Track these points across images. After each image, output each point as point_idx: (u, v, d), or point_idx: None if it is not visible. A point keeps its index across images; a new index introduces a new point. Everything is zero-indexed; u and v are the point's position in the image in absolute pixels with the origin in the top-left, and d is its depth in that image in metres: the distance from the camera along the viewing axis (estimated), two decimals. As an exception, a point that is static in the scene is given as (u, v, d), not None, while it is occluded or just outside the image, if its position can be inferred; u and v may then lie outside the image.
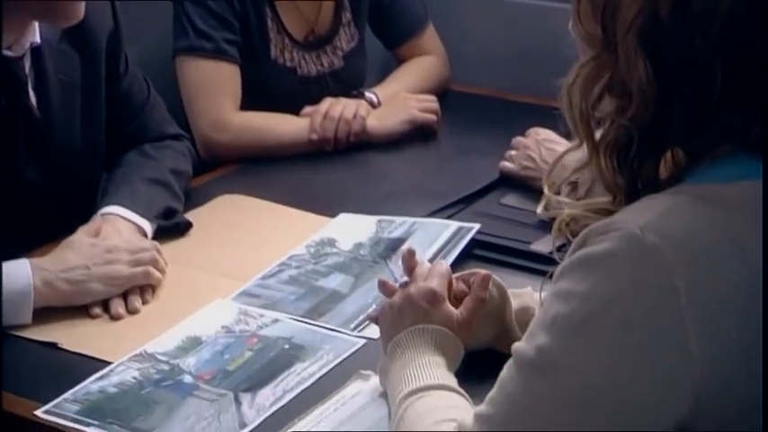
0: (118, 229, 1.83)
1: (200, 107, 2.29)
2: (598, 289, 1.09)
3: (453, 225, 1.89)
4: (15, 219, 1.83)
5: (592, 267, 1.11)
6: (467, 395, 1.37)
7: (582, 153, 1.23)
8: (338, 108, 2.28)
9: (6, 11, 1.71)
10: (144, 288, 1.76)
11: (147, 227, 1.89)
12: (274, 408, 1.48)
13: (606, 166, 1.17)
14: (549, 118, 2.18)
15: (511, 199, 2.03)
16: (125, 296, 1.74)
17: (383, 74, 2.56)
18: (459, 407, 1.33)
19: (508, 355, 1.50)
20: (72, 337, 1.65)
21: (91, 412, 1.48)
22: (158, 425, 1.45)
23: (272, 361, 1.58)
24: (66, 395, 1.51)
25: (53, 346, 1.64)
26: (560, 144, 2.04)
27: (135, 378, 1.55)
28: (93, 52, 1.94)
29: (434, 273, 1.51)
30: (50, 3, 1.75)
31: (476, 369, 1.48)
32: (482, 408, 1.19)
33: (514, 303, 1.54)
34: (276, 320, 1.68)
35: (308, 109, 2.30)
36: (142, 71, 2.10)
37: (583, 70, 1.18)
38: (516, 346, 1.17)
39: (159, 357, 1.59)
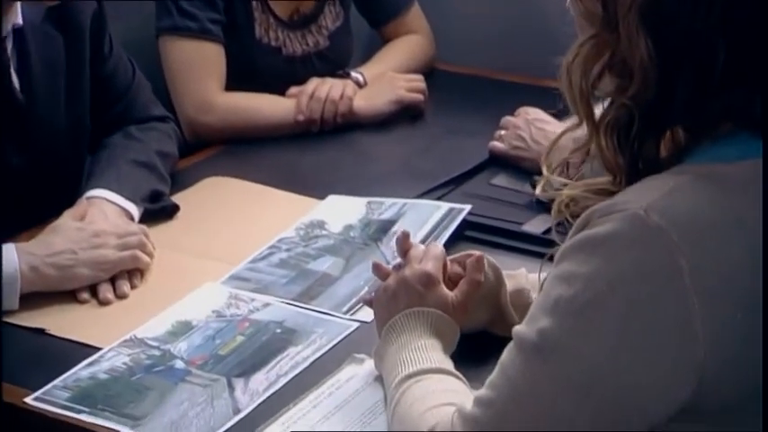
0: (104, 213, 1.81)
1: (185, 88, 2.26)
2: (602, 271, 1.08)
3: (444, 206, 1.88)
4: (-2, 202, 1.81)
5: (595, 249, 1.09)
6: (464, 378, 1.35)
7: (580, 132, 1.22)
8: (325, 88, 2.26)
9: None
10: (132, 272, 1.73)
11: (134, 210, 1.86)
12: (268, 393, 1.47)
13: (607, 146, 1.16)
14: (537, 97, 2.20)
15: (501, 179, 2.02)
16: (113, 281, 1.71)
17: (368, 53, 2.53)
18: (457, 390, 1.31)
19: (503, 338, 1.50)
20: (60, 322, 1.63)
21: (82, 399, 1.46)
22: (151, 411, 1.43)
23: (265, 345, 1.56)
24: (55, 382, 1.49)
25: (41, 332, 1.61)
26: (550, 123, 2.03)
27: (125, 364, 1.53)
28: (76, 33, 1.92)
29: (429, 255, 1.49)
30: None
31: (471, 352, 1.47)
32: (482, 391, 1.18)
33: (509, 285, 1.53)
34: (267, 304, 1.66)
35: (293, 89, 2.28)
36: (125, 52, 2.07)
37: (582, 48, 1.16)
38: (517, 329, 1.16)
39: (150, 343, 1.57)
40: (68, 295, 1.69)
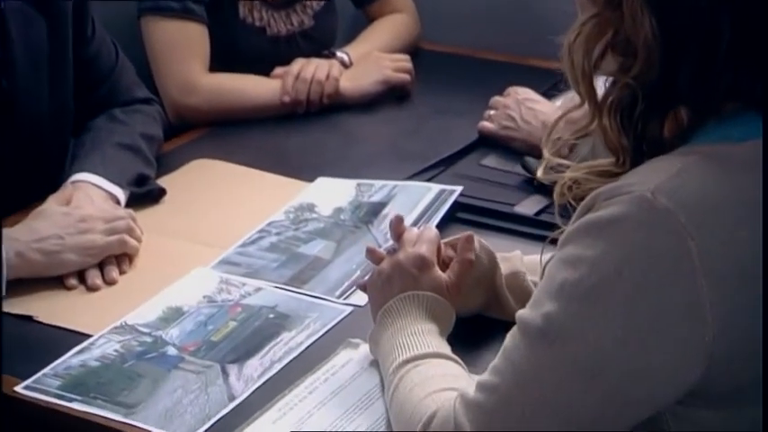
0: (90, 197, 1.78)
1: (168, 69, 2.22)
2: (608, 254, 1.06)
3: (435, 188, 1.86)
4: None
5: (601, 232, 1.08)
6: (462, 362, 1.34)
7: (580, 113, 1.20)
8: (310, 69, 2.23)
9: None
10: (120, 258, 1.71)
11: (120, 194, 1.84)
12: (263, 379, 1.45)
13: (611, 127, 1.14)
14: (522, 75, 2.18)
15: (491, 160, 2.00)
16: (101, 267, 1.69)
17: (353, 33, 2.50)
18: (456, 375, 1.30)
19: (499, 321, 1.49)
20: (48, 309, 1.60)
21: (73, 387, 1.44)
22: (144, 398, 1.41)
23: (258, 331, 1.54)
24: (46, 370, 1.47)
25: (29, 319, 1.59)
26: (540, 103, 2.01)
27: (117, 351, 1.50)
28: (58, 16, 1.88)
29: (423, 238, 1.48)
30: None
31: (467, 336, 1.46)
32: (485, 377, 1.16)
33: (504, 268, 1.51)
34: (259, 289, 1.63)
35: (279, 70, 2.25)
36: (107, 33, 2.04)
37: (584, 27, 1.15)
38: (521, 314, 1.14)
39: (141, 329, 1.55)
40: (56, 281, 1.66)
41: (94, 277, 1.67)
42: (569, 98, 1.87)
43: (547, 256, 1.20)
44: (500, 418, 1.13)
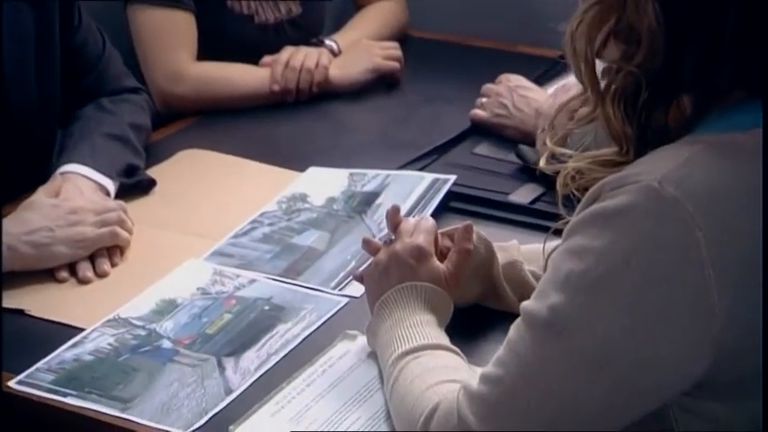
0: (80, 189, 1.76)
1: (155, 58, 2.20)
2: (615, 245, 1.05)
3: (428, 177, 1.84)
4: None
5: (607, 222, 1.06)
6: (461, 353, 1.33)
7: (579, 102, 1.19)
8: (299, 57, 2.21)
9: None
10: (112, 250, 1.69)
11: (110, 185, 1.82)
12: (259, 372, 1.43)
13: (614, 116, 1.13)
14: (511, 62, 2.17)
15: (484, 148, 1.98)
16: (92, 259, 1.67)
17: (340, 21, 2.48)
18: (457, 367, 1.29)
19: (497, 312, 1.48)
20: (40, 302, 1.58)
21: (67, 382, 1.42)
22: (140, 393, 1.40)
23: (253, 323, 1.52)
24: (39, 364, 1.45)
25: (20, 312, 1.57)
26: (533, 90, 2.00)
27: (111, 345, 1.49)
28: (45, 4, 1.86)
29: (420, 228, 1.46)
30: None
31: (465, 326, 1.45)
32: (489, 369, 1.15)
33: (501, 258, 1.50)
34: (253, 281, 1.62)
35: (267, 58, 2.23)
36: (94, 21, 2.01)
37: (587, 15, 1.13)
38: (526, 305, 1.13)
39: (134, 322, 1.53)
40: (46, 274, 1.64)
41: (86, 270, 1.65)
42: (562, 85, 1.90)
43: (549, 247, 1.19)
44: (505, 410, 1.12)
